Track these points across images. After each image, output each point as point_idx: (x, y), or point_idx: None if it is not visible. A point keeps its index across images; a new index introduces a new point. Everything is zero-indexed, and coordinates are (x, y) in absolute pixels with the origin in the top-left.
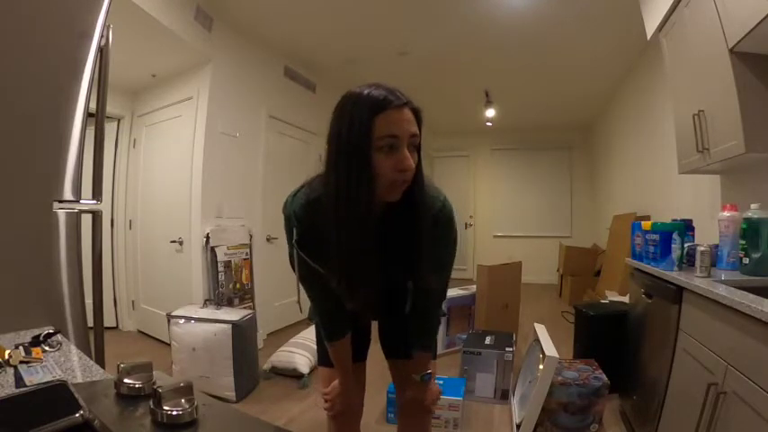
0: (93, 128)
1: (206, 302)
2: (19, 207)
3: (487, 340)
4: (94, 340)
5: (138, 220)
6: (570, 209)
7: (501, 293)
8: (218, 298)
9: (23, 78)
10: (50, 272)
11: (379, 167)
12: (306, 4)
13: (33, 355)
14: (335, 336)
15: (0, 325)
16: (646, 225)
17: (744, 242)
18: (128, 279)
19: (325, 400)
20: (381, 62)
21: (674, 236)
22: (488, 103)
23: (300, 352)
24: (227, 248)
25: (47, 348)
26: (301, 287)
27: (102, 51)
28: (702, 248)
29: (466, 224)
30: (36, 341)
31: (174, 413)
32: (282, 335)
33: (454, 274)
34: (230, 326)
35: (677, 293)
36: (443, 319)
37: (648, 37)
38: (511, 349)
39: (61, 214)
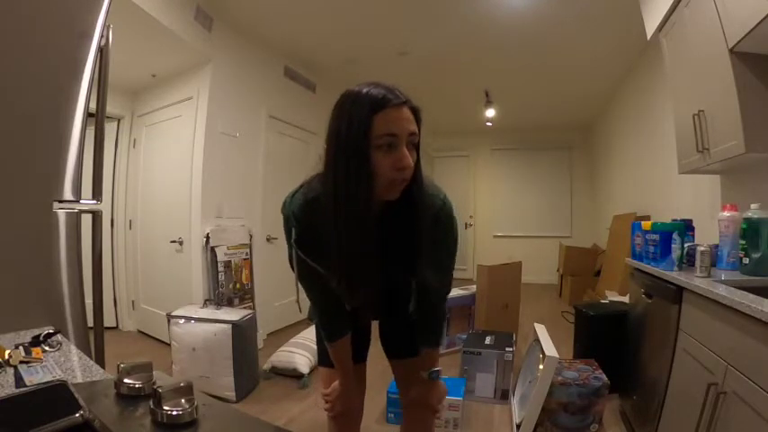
0: (93, 128)
1: (206, 302)
2: (19, 207)
3: (487, 340)
4: (94, 340)
5: (138, 220)
6: (570, 209)
7: (501, 293)
8: (218, 298)
9: (23, 78)
10: (50, 272)
11: (377, 166)
12: (306, 4)
13: (33, 355)
14: (335, 336)
15: (0, 325)
16: (646, 225)
17: (744, 242)
18: (128, 279)
19: (326, 401)
20: (381, 62)
21: (674, 236)
22: (488, 103)
23: (300, 352)
24: (227, 248)
25: (47, 348)
26: (300, 287)
27: (102, 51)
28: (702, 248)
29: (466, 224)
30: (36, 341)
31: (174, 413)
32: (282, 335)
33: (454, 275)
34: (230, 326)
35: (677, 293)
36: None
37: (648, 37)
38: (511, 349)
39: (61, 214)
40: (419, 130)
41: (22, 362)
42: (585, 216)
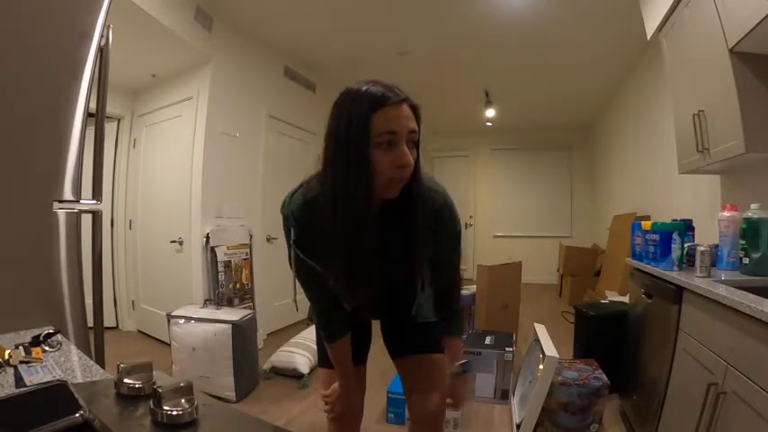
0: (93, 128)
1: (206, 302)
2: (19, 207)
3: (487, 340)
4: (94, 340)
5: (138, 220)
6: (570, 209)
7: (501, 293)
8: (218, 298)
9: (23, 78)
10: (50, 272)
11: (377, 164)
12: (306, 4)
13: (33, 355)
14: (334, 336)
15: (0, 325)
16: (646, 225)
17: (744, 242)
18: (128, 279)
19: (325, 403)
20: (381, 62)
21: (674, 236)
22: (488, 103)
23: (300, 352)
24: (227, 248)
25: (47, 348)
26: (298, 286)
27: (102, 51)
28: (702, 248)
29: (466, 224)
30: (36, 341)
31: (174, 413)
32: (282, 335)
33: None
34: (230, 326)
35: (677, 293)
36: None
37: (648, 37)
38: (511, 349)
39: (61, 214)
40: (419, 128)
41: (22, 362)
42: (585, 216)
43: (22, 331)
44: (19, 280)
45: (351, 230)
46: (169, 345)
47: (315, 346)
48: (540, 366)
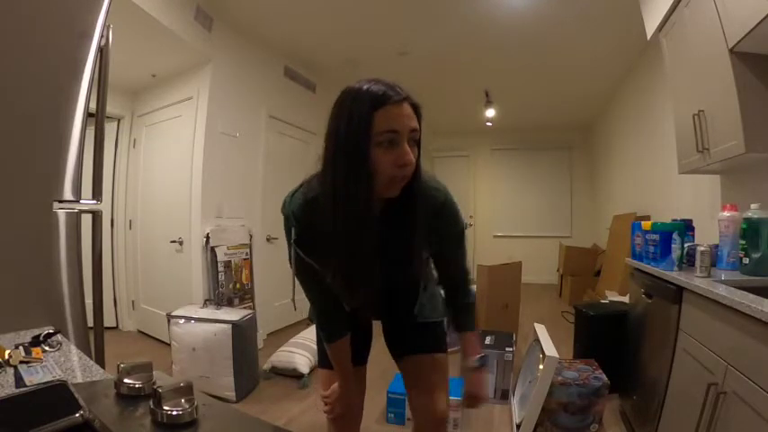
0: (93, 128)
1: (206, 302)
2: (19, 207)
3: (487, 340)
4: (94, 340)
5: (138, 220)
6: (570, 209)
7: (501, 293)
8: (218, 298)
9: (23, 78)
10: (50, 272)
11: (378, 163)
12: (306, 4)
13: (33, 355)
14: (334, 337)
15: (0, 325)
16: (646, 225)
17: (744, 242)
18: (128, 279)
19: (325, 403)
20: (381, 62)
21: (674, 236)
22: (488, 103)
23: (300, 352)
24: (227, 248)
25: (47, 348)
26: (297, 286)
27: (102, 51)
28: (702, 248)
29: (466, 224)
30: (36, 341)
31: (174, 413)
32: (282, 335)
33: None
34: (230, 326)
35: (677, 293)
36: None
37: (648, 37)
38: (511, 349)
39: (61, 214)
40: (420, 127)
41: (22, 362)
42: (585, 216)
43: (22, 331)
44: (19, 280)
45: (351, 230)
46: (169, 345)
47: (315, 346)
48: (540, 366)
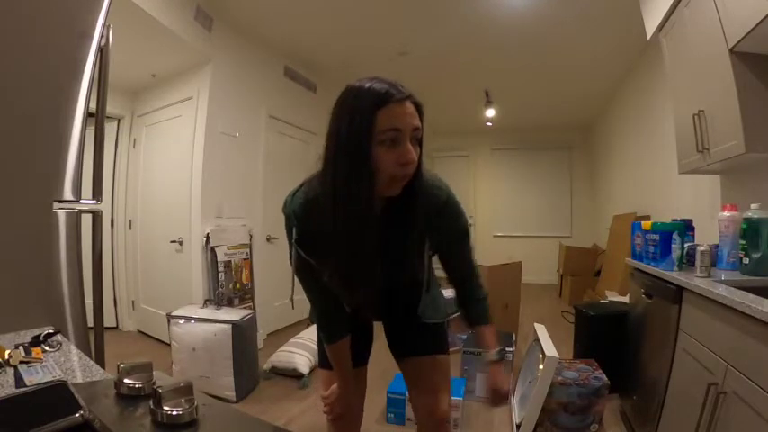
0: (93, 128)
1: (206, 302)
2: (19, 207)
3: None
4: (94, 340)
5: (138, 220)
6: (570, 209)
7: (501, 293)
8: (218, 298)
9: (23, 78)
10: (50, 272)
11: (380, 162)
12: (306, 4)
13: (33, 355)
14: (334, 337)
15: (0, 325)
16: (646, 225)
17: (744, 242)
18: (128, 279)
19: (325, 404)
20: (381, 62)
21: (674, 236)
22: (488, 103)
23: (300, 352)
24: (227, 248)
25: (47, 348)
26: (297, 285)
27: (102, 51)
28: (702, 248)
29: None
30: (36, 341)
31: (174, 413)
32: (282, 335)
33: None
34: (230, 326)
35: (677, 293)
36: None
37: (648, 37)
38: (511, 349)
39: (61, 214)
40: (422, 125)
41: (22, 362)
42: (585, 216)
43: (22, 331)
44: (19, 280)
45: (351, 230)
46: (169, 345)
47: (315, 347)
48: (540, 366)
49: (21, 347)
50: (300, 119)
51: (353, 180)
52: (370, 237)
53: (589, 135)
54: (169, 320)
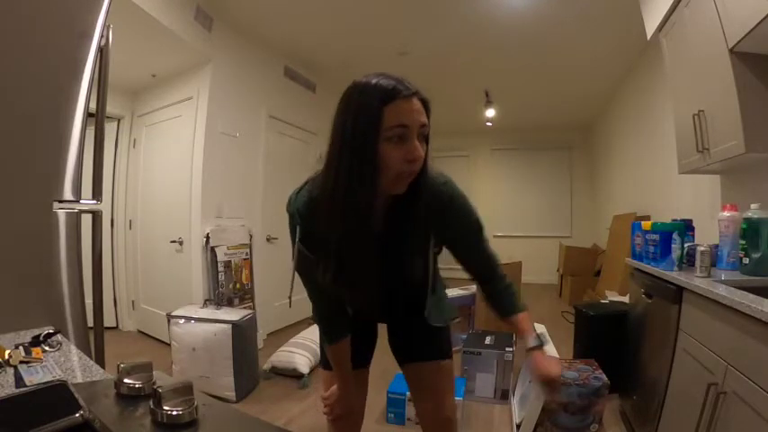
0: (93, 128)
1: (206, 302)
2: (19, 207)
3: (487, 340)
4: (94, 340)
5: (138, 220)
6: (570, 209)
7: None
8: (218, 298)
9: (23, 78)
10: (50, 272)
11: (387, 158)
12: (306, 4)
13: (33, 355)
14: (335, 338)
15: (0, 325)
16: (646, 225)
17: (744, 242)
18: (128, 279)
19: (325, 405)
20: (381, 62)
21: (674, 236)
22: (488, 103)
23: (300, 352)
24: (227, 248)
25: (47, 348)
26: (295, 285)
27: (102, 51)
28: (702, 248)
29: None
30: (36, 341)
31: (174, 413)
32: (282, 335)
33: (454, 274)
34: (230, 326)
35: (677, 293)
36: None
37: (648, 37)
38: (511, 349)
39: (61, 214)
40: (429, 122)
41: (22, 362)
42: (585, 216)
43: (22, 331)
44: (19, 280)
45: (352, 229)
46: (169, 345)
47: (315, 347)
48: None
49: (21, 347)
50: (300, 119)
51: (356, 177)
52: (369, 236)
53: (589, 135)
54: (169, 320)
